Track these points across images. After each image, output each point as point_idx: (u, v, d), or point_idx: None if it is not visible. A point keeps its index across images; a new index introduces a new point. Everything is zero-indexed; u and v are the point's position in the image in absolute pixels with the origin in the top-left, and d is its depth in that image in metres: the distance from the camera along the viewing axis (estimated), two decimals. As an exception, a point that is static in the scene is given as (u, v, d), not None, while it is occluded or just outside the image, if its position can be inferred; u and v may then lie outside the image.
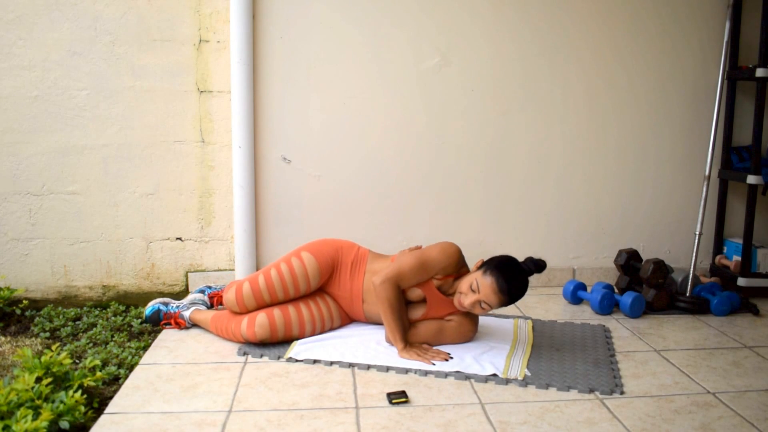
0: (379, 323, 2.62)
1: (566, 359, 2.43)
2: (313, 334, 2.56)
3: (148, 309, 2.75)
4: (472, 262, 2.63)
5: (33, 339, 2.66)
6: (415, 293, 2.49)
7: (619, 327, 2.84)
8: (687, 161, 3.42)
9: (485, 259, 2.45)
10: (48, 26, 2.91)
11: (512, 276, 2.34)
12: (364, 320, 2.67)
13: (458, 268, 2.49)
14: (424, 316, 2.51)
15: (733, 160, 3.36)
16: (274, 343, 2.49)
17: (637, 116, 3.36)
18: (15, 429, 1.70)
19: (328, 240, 2.65)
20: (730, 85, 3.34)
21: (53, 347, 2.18)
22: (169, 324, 2.71)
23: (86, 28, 2.93)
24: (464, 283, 2.39)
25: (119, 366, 2.36)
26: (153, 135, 3.04)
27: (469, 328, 2.53)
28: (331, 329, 2.63)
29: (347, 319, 2.69)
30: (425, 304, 2.50)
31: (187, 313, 2.70)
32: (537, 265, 2.41)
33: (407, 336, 2.46)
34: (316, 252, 2.56)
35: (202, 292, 2.85)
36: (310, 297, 2.58)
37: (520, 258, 2.45)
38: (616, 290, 3.21)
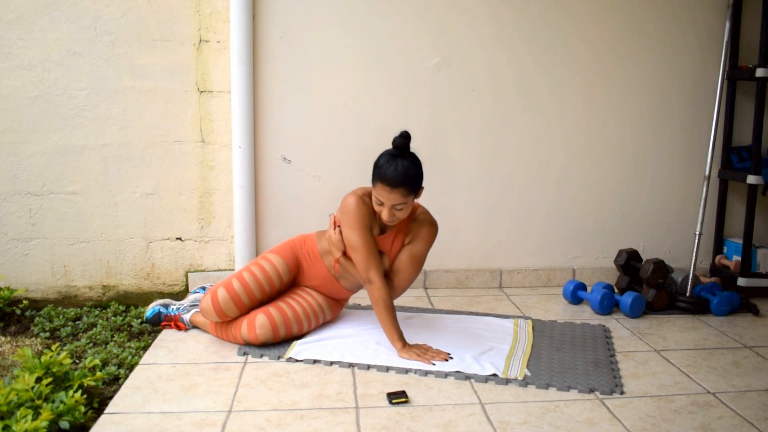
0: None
1: (566, 359, 2.43)
2: (311, 329, 2.57)
3: (149, 311, 2.75)
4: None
5: (33, 339, 2.66)
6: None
7: (619, 327, 2.84)
8: (687, 161, 3.42)
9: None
10: (48, 26, 2.91)
11: (387, 165, 2.33)
12: (350, 293, 2.69)
13: (371, 209, 2.47)
14: (390, 259, 2.53)
15: (733, 160, 3.36)
16: (276, 342, 2.49)
17: (637, 116, 3.36)
18: (15, 429, 1.70)
19: (282, 243, 2.68)
20: (730, 85, 3.34)
21: (53, 347, 2.18)
22: (169, 326, 2.71)
23: (86, 28, 2.93)
24: (375, 206, 2.41)
25: (119, 366, 2.36)
26: (153, 135, 3.04)
27: (428, 230, 2.53)
28: (326, 322, 2.65)
29: (337, 306, 2.71)
30: (384, 254, 2.52)
31: (187, 316, 2.70)
32: (401, 136, 2.38)
33: (394, 279, 2.49)
34: (280, 251, 2.60)
35: (201, 291, 2.85)
36: (295, 293, 2.59)
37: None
38: (616, 290, 3.21)
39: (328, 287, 2.63)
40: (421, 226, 2.53)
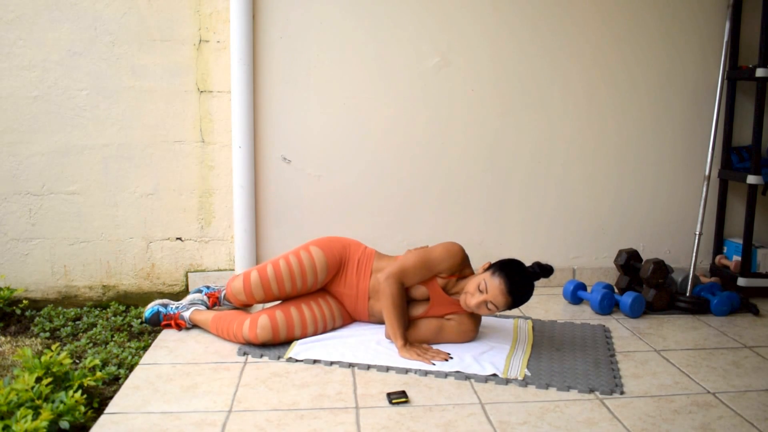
0: (381, 322, 2.63)
1: (566, 359, 2.43)
2: (314, 334, 2.56)
3: (148, 311, 2.75)
4: (474, 261, 2.63)
5: (33, 339, 2.66)
6: (419, 291, 2.51)
7: (619, 327, 2.84)
8: (687, 161, 3.42)
9: (492, 261, 2.46)
10: (48, 26, 2.91)
11: (520, 278, 2.36)
12: (367, 319, 2.67)
13: (462, 267, 2.50)
14: (425, 313, 2.52)
15: (733, 160, 3.36)
16: (276, 344, 2.49)
17: (638, 116, 3.36)
18: (15, 429, 1.70)
19: (336, 237, 2.67)
20: (730, 85, 3.34)
21: (53, 347, 2.18)
22: (169, 325, 2.71)
23: (86, 28, 2.93)
24: (472, 284, 2.40)
25: (119, 366, 2.36)
26: (153, 135, 3.04)
27: (470, 328, 2.53)
28: (333, 329, 2.63)
29: (349, 318, 2.69)
30: (428, 302, 2.51)
31: (186, 314, 2.70)
32: (544, 270, 2.45)
33: (408, 334, 2.47)
34: (325, 247, 2.58)
35: (199, 291, 2.85)
36: (312, 297, 2.59)
37: (527, 262, 2.48)
38: (616, 290, 3.21)
39: (355, 302, 2.63)
40: (465, 320, 2.53)
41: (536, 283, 2.49)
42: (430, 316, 2.52)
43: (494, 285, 2.34)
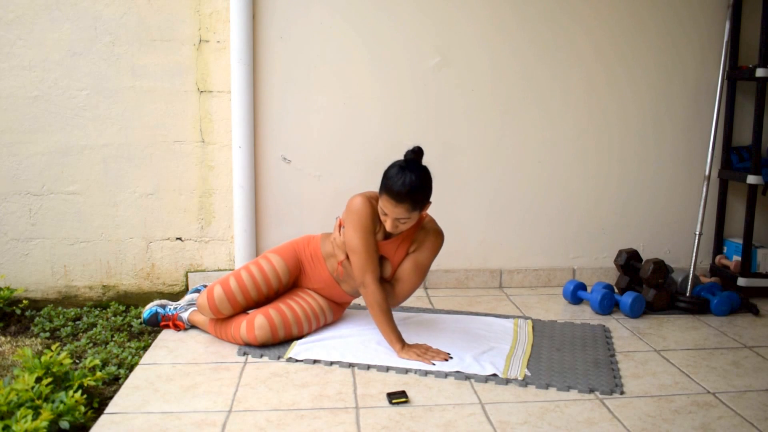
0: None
1: (566, 359, 2.43)
2: (311, 331, 2.56)
3: (146, 312, 2.75)
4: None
5: (33, 339, 2.66)
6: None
7: (619, 327, 2.84)
8: (687, 161, 3.42)
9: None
10: (48, 26, 2.91)
11: (395, 177, 2.29)
12: (351, 298, 2.68)
13: (374, 213, 2.43)
14: (393, 266, 2.52)
15: (733, 160, 3.36)
16: (275, 343, 2.49)
17: (637, 116, 3.36)
18: (15, 429, 1.70)
19: (289, 241, 2.66)
20: (730, 85, 3.34)
21: (53, 347, 2.18)
22: (168, 326, 2.71)
23: (86, 28, 2.93)
24: (380, 216, 2.39)
25: (119, 366, 2.36)
26: (153, 135, 3.04)
27: (434, 239, 2.51)
28: (326, 324, 2.64)
29: (339, 309, 2.70)
30: (386, 259, 2.51)
31: (185, 315, 2.70)
32: (413, 151, 2.36)
33: (396, 289, 2.49)
34: (281, 251, 2.58)
35: (197, 291, 2.85)
36: (297, 294, 2.58)
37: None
38: (616, 290, 3.21)
39: (330, 291, 2.62)
40: (427, 235, 2.51)
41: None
42: (396, 263, 2.51)
43: (385, 203, 2.30)
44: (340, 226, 2.52)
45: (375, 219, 2.42)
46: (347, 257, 2.50)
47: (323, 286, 2.61)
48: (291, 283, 2.61)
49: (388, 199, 2.30)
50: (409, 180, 2.28)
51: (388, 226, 2.35)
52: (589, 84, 3.30)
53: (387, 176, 2.33)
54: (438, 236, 2.53)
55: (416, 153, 2.37)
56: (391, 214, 2.32)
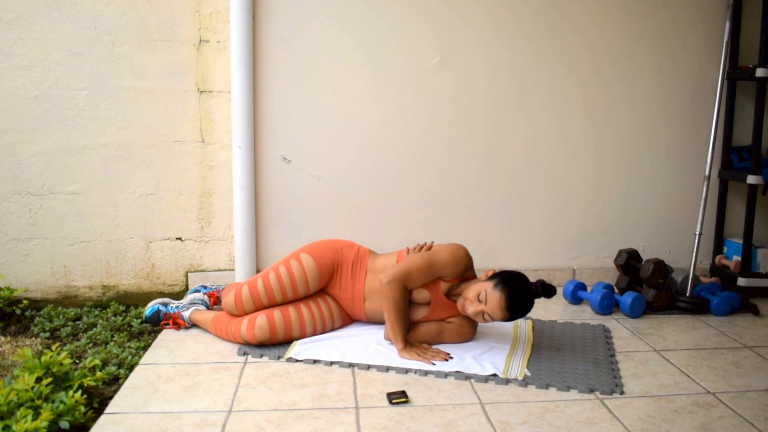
0: (379, 323, 2.62)
1: (566, 359, 2.43)
2: (313, 335, 2.56)
3: (148, 310, 2.75)
4: (474, 260, 2.63)
5: (33, 339, 2.66)
6: (421, 295, 2.49)
7: (619, 327, 2.84)
8: (687, 161, 3.42)
9: (496, 270, 2.45)
10: (48, 26, 2.91)
11: (520, 296, 2.33)
12: (365, 320, 2.66)
13: (465, 271, 2.48)
14: (426, 317, 2.51)
15: (733, 160, 3.36)
16: (274, 344, 2.49)
17: (637, 116, 3.36)
18: (15, 429, 1.70)
19: (328, 241, 2.65)
20: (730, 85, 3.34)
21: (53, 347, 2.18)
22: (169, 324, 2.71)
23: (86, 28, 2.93)
24: (472, 291, 2.37)
25: (119, 366, 2.36)
26: (153, 135, 3.04)
27: (468, 330, 2.53)
28: (332, 329, 2.63)
29: (348, 319, 2.69)
30: (428, 306, 2.50)
31: (186, 314, 2.70)
32: (546, 289, 2.39)
33: (408, 336, 2.46)
34: (316, 254, 2.56)
35: (197, 291, 2.85)
36: (311, 297, 2.58)
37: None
38: (616, 290, 3.21)
39: (351, 303, 2.61)
40: (465, 323, 2.53)
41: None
42: (430, 319, 2.51)
43: (494, 298, 2.31)
44: (405, 252, 2.54)
45: (453, 274, 2.45)
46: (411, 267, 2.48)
47: (348, 296, 2.60)
48: (317, 289, 2.58)
49: (500, 302, 2.31)
50: (529, 308, 2.36)
51: (473, 308, 2.35)
52: (590, 84, 3.30)
53: (516, 288, 2.33)
54: (471, 331, 2.55)
55: (548, 292, 2.40)
56: (488, 309, 2.33)
